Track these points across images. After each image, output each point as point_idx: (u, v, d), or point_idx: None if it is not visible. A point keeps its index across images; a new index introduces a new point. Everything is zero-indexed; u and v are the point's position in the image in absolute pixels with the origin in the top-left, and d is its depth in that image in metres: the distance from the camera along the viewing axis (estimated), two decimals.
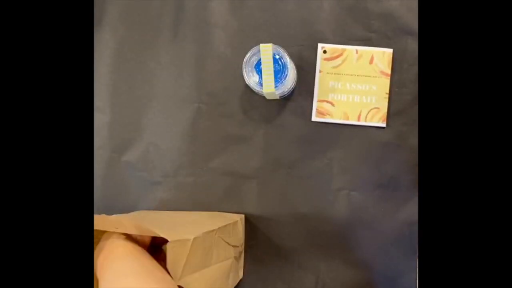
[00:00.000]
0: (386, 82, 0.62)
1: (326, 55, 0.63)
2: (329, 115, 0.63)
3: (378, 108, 0.62)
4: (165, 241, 0.42)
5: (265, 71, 0.56)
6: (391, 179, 0.62)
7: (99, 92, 0.66)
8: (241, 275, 0.63)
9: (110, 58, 0.66)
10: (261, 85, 0.57)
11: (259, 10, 0.64)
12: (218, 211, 0.64)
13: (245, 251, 0.64)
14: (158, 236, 0.42)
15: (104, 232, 0.46)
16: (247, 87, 0.59)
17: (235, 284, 0.59)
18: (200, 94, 0.65)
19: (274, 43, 0.57)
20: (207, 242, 0.50)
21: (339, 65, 0.62)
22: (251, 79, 0.58)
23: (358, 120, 0.62)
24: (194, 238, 0.46)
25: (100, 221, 0.43)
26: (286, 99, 0.64)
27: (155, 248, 0.49)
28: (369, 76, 0.62)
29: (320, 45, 0.63)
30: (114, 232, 0.45)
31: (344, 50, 0.62)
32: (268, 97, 0.61)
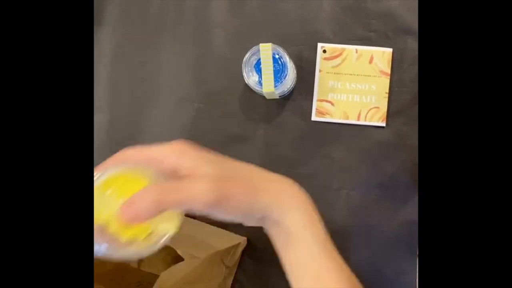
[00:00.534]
0: (385, 82, 0.62)
1: (325, 55, 0.63)
2: (329, 114, 0.63)
3: (377, 107, 0.62)
4: None
5: (265, 71, 0.56)
6: (390, 178, 0.62)
7: (98, 92, 0.66)
8: None
9: (109, 57, 0.66)
10: (261, 84, 0.57)
11: (259, 10, 0.64)
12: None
13: (244, 251, 0.64)
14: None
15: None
16: (246, 86, 0.59)
17: None
18: (199, 93, 0.65)
19: (274, 42, 0.57)
20: (210, 263, 0.50)
21: (339, 64, 0.62)
22: (251, 79, 0.58)
23: (358, 119, 0.62)
24: (204, 258, 0.46)
25: None
26: (285, 98, 0.64)
27: None
28: (368, 76, 0.62)
29: (319, 45, 0.63)
30: None
31: (343, 49, 0.62)
32: (267, 97, 0.61)
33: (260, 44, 0.56)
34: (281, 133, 0.63)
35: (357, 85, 0.62)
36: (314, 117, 0.63)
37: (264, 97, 0.61)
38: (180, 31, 0.65)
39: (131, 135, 0.66)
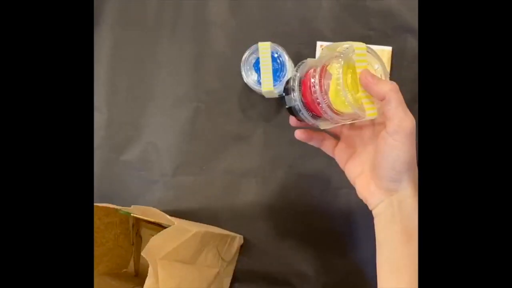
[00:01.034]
0: None
1: None
2: None
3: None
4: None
5: (264, 70, 0.56)
6: None
7: (97, 92, 0.65)
8: None
9: (107, 57, 0.65)
10: (260, 83, 0.56)
11: (257, 9, 0.64)
12: (219, 212, 0.64)
13: (243, 250, 0.63)
14: (163, 223, 0.43)
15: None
16: (245, 85, 0.59)
17: None
18: (198, 93, 0.65)
19: (273, 41, 0.57)
20: (203, 242, 0.50)
21: None
22: (250, 78, 0.58)
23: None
24: (195, 232, 0.46)
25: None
26: None
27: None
28: None
29: (319, 43, 0.62)
30: None
31: None
32: (266, 96, 0.61)
33: (259, 43, 0.56)
34: (280, 132, 0.63)
35: None
36: None
37: (263, 96, 0.61)
38: (179, 30, 0.65)
39: (130, 135, 0.65)
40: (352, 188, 0.62)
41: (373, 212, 0.43)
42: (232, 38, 0.64)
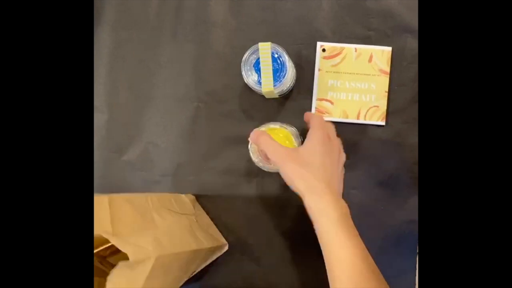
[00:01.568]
0: (385, 80, 0.62)
1: (325, 54, 0.62)
2: (328, 113, 0.63)
3: (377, 106, 0.62)
4: None
5: (264, 70, 0.56)
6: (390, 177, 0.62)
7: (97, 92, 0.65)
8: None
9: (108, 57, 0.65)
10: (260, 84, 0.56)
11: (258, 9, 0.64)
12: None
13: (243, 250, 0.63)
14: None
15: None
16: (246, 86, 0.59)
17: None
18: (199, 93, 0.65)
19: (273, 41, 0.57)
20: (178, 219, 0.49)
21: (338, 63, 0.62)
22: (250, 78, 0.58)
23: (358, 118, 0.62)
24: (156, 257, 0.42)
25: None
26: (285, 97, 0.63)
27: None
28: (368, 75, 0.62)
29: (319, 44, 0.63)
30: None
31: (343, 48, 0.62)
32: (267, 96, 0.61)
33: (259, 43, 0.56)
34: None
35: (356, 84, 0.62)
36: None
37: (263, 96, 0.61)
38: (179, 31, 0.65)
39: (130, 135, 0.65)
40: (352, 188, 0.62)
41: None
42: (233, 39, 0.64)
